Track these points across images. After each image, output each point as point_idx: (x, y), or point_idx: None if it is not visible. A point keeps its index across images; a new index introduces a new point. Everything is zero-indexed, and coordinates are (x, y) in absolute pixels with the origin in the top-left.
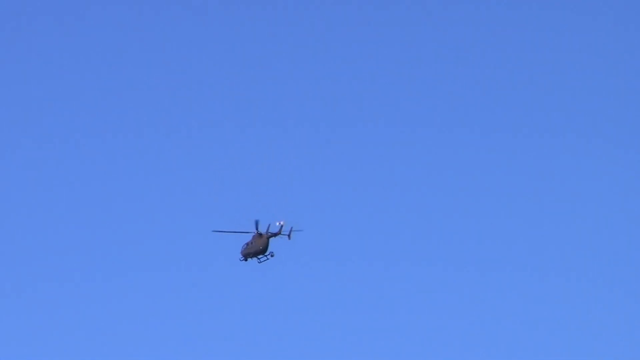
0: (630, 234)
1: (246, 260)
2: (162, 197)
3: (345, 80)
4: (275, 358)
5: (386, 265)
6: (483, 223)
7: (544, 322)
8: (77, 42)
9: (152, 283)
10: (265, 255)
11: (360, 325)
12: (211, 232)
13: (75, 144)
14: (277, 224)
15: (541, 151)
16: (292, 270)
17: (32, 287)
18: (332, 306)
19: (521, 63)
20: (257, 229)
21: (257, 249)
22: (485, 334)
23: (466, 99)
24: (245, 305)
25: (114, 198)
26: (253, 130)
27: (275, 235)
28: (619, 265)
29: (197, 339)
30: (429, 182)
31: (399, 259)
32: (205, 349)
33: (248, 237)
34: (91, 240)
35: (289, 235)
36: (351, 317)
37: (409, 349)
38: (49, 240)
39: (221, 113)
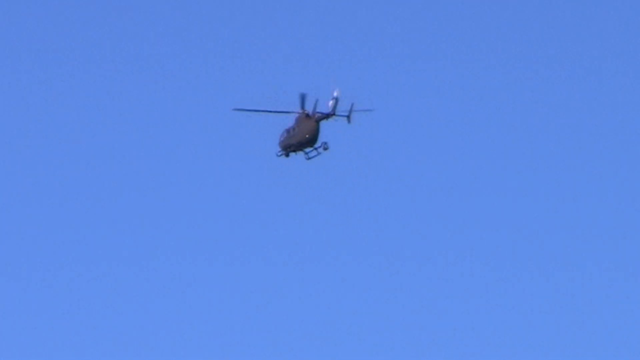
0: (631, 233)
1: (287, 155)
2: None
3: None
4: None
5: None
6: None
7: (545, 322)
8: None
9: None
10: (315, 148)
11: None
12: (231, 111)
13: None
14: (332, 98)
15: (541, 151)
16: (356, 172)
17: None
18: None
19: (521, 62)
20: (302, 107)
21: (301, 137)
22: (486, 334)
23: (466, 99)
24: (286, 232)
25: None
26: None
27: (327, 117)
28: (619, 265)
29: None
30: None
31: None
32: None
33: (289, 121)
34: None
35: (348, 117)
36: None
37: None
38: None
39: None
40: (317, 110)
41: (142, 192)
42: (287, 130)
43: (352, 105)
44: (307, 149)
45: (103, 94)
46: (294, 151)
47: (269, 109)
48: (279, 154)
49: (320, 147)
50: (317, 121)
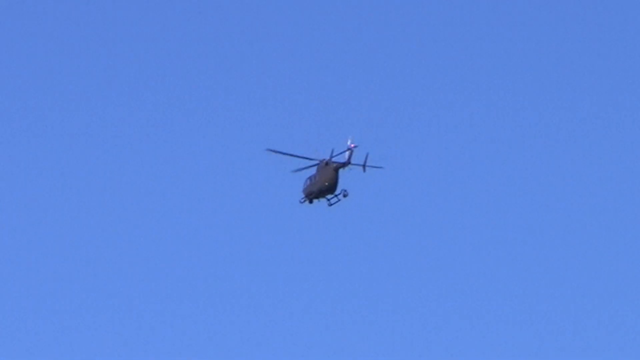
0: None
1: (310, 201)
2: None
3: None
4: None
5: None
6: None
7: (545, 322)
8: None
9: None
10: (336, 195)
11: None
12: (265, 151)
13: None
14: (349, 142)
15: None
16: (372, 217)
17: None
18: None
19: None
20: (330, 157)
21: (322, 185)
22: (486, 334)
23: (465, 99)
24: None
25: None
26: None
27: (344, 165)
28: (619, 266)
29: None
30: None
31: None
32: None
33: (312, 170)
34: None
35: (363, 166)
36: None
37: None
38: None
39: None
40: (331, 158)
41: (164, 230)
42: (310, 178)
43: (367, 155)
44: (328, 196)
45: (138, 144)
46: (317, 198)
47: (295, 154)
48: (302, 200)
49: (340, 194)
50: (335, 170)
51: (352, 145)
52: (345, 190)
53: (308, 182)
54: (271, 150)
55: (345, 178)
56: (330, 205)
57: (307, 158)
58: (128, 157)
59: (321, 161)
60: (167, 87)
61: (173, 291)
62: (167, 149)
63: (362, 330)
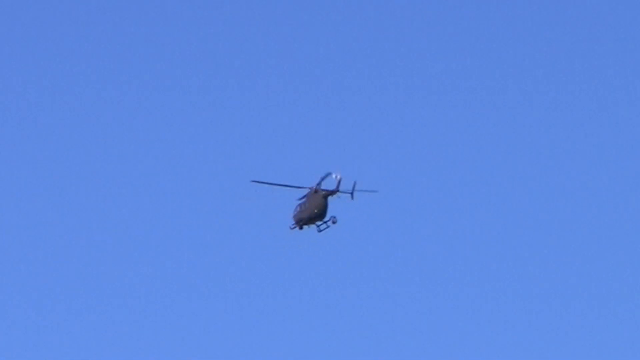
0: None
1: (301, 228)
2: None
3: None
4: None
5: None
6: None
7: (545, 322)
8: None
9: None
10: (325, 222)
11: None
12: (249, 183)
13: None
14: (334, 176)
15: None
16: (361, 243)
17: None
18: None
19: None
20: (319, 183)
21: (311, 212)
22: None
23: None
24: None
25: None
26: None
27: (332, 193)
28: (620, 266)
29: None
30: None
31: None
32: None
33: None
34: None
35: (351, 194)
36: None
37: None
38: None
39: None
40: (320, 185)
41: (154, 261)
42: (299, 205)
43: (354, 183)
44: (318, 222)
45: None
46: (306, 224)
47: (282, 183)
48: (292, 226)
49: (329, 220)
50: (325, 197)
51: (338, 177)
52: (334, 217)
53: (298, 208)
54: (256, 182)
55: (334, 204)
56: (320, 231)
57: (293, 187)
58: (118, 181)
59: (311, 189)
60: (152, 117)
61: (164, 317)
62: (157, 185)
63: (351, 357)
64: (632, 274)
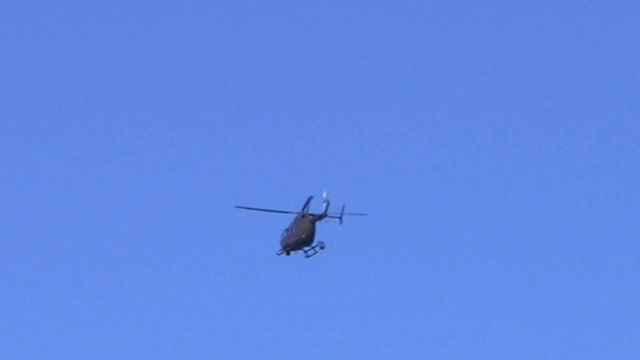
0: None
1: (287, 253)
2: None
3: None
4: None
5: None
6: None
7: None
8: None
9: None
10: (313, 247)
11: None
12: (234, 209)
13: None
14: (324, 194)
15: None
16: (350, 270)
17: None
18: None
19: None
20: (303, 208)
21: (298, 237)
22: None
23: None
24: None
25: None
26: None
27: (320, 217)
28: (619, 266)
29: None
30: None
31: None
32: None
33: (290, 220)
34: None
35: (340, 218)
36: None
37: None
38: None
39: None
40: (307, 209)
41: (141, 290)
42: (287, 230)
43: (343, 207)
44: (305, 248)
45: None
46: (294, 250)
47: (269, 209)
48: (279, 252)
49: (317, 246)
50: (312, 222)
51: (326, 200)
52: (322, 242)
53: (285, 234)
54: (240, 207)
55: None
56: (308, 257)
57: (279, 212)
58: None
59: (298, 213)
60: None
61: (148, 344)
62: (144, 212)
63: None
64: (632, 273)
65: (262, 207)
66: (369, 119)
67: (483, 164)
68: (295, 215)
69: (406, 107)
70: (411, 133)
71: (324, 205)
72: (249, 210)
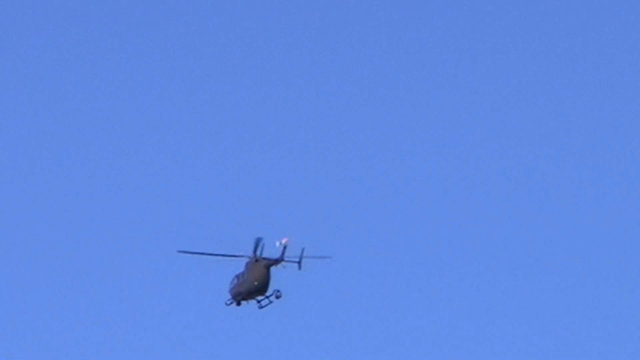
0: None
1: (238, 303)
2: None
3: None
4: None
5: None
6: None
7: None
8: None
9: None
10: (267, 297)
11: None
12: (176, 253)
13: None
14: (278, 244)
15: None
16: (310, 322)
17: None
18: None
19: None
20: (254, 251)
21: (250, 285)
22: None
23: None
24: None
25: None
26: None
27: (276, 262)
28: (620, 266)
29: None
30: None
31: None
32: None
33: (240, 266)
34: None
35: (299, 263)
36: None
37: None
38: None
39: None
40: (259, 253)
41: (77, 346)
42: (237, 277)
43: (302, 250)
44: (259, 297)
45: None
46: (245, 299)
47: (216, 252)
48: (229, 302)
49: (272, 295)
50: (267, 267)
51: (285, 240)
52: (278, 291)
53: (235, 280)
54: (183, 252)
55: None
56: (261, 307)
57: (227, 256)
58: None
59: (250, 257)
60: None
61: None
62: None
63: None
64: (632, 274)
65: (207, 251)
66: (333, 150)
67: (455, 202)
68: (247, 259)
69: (371, 140)
70: (376, 165)
71: (281, 248)
72: (192, 255)
